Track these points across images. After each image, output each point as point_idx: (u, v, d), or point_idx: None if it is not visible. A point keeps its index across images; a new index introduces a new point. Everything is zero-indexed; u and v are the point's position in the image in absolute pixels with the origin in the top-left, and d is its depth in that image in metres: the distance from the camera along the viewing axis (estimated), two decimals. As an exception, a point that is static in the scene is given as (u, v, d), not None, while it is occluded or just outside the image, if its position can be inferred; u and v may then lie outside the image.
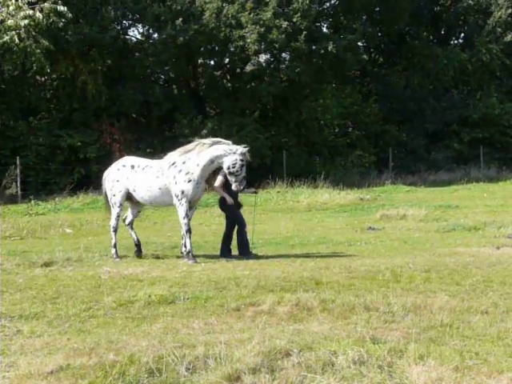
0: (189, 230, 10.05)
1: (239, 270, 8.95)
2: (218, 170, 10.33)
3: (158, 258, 10.57)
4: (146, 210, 18.25)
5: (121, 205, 10.57)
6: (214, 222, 16.29)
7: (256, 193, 11.89)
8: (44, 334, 5.75)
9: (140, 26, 27.59)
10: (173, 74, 28.54)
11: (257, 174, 22.89)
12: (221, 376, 4.62)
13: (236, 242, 10.67)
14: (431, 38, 33.98)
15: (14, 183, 21.56)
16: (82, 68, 24.22)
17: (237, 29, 24.94)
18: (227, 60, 27.77)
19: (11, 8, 20.05)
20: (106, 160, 24.36)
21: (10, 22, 19.93)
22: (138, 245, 10.65)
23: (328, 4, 29.61)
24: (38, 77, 24.79)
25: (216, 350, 4.97)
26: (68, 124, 24.56)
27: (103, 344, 5.35)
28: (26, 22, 20.04)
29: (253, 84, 27.56)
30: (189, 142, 26.43)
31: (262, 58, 27.62)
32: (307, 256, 10.45)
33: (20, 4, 20.24)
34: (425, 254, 10.46)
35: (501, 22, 31.04)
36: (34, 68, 22.02)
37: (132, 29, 28.46)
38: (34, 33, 20.86)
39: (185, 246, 10.12)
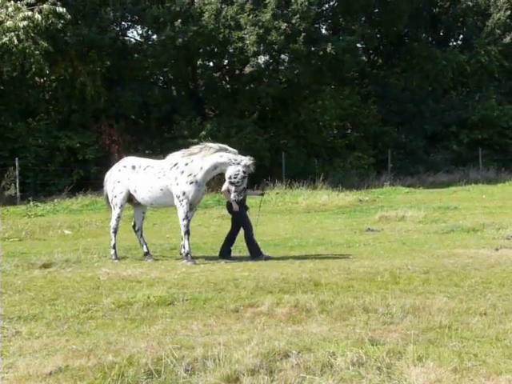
0: (187, 232, 10.05)
1: (238, 271, 8.96)
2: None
3: (156, 259, 10.56)
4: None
5: (122, 206, 10.55)
6: (212, 223, 16.29)
7: (262, 195, 11.90)
8: (43, 336, 5.75)
9: (139, 27, 27.59)
10: (172, 76, 28.55)
11: (256, 176, 22.87)
12: (220, 377, 4.62)
13: (246, 246, 10.63)
14: (430, 39, 34.00)
15: (13, 184, 21.54)
16: (81, 69, 24.21)
17: (236, 30, 24.96)
18: (226, 61, 27.78)
19: (10, 9, 20.09)
20: (105, 161, 24.39)
21: (9, 23, 19.96)
22: (146, 253, 10.59)
23: (327, 5, 29.63)
24: (36, 78, 24.77)
25: (215, 352, 4.97)
26: (67, 125, 24.55)
27: (102, 345, 5.35)
28: (25, 23, 20.07)
29: (252, 85, 27.57)
30: (188, 143, 26.48)
31: (261, 59, 27.63)
32: (306, 257, 10.45)
33: (19, 5, 20.28)
34: (423, 255, 10.47)
35: (500, 23, 31.05)
36: (33, 69, 22.00)
37: (131, 30, 28.52)
38: (32, 34, 20.85)
39: (184, 248, 10.12)
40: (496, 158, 30.92)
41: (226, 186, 10.41)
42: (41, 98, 25.42)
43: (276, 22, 24.52)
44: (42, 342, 5.55)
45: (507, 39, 31.02)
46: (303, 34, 24.96)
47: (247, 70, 27.62)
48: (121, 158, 25.33)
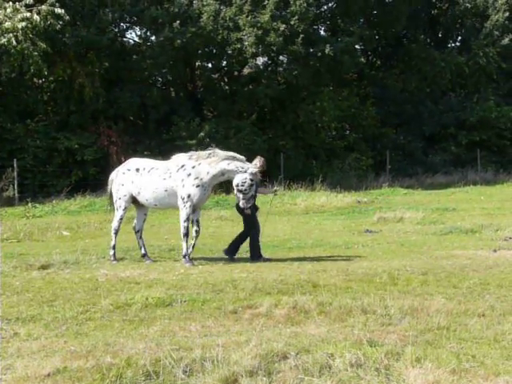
0: (187, 234, 10.05)
1: (236, 272, 8.96)
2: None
3: (155, 260, 10.55)
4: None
5: (125, 208, 10.55)
6: (211, 224, 16.28)
7: (275, 192, 11.83)
8: (41, 337, 5.74)
9: (137, 28, 27.61)
10: (170, 77, 28.56)
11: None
12: (218, 379, 4.62)
13: (248, 244, 10.62)
14: (428, 41, 34.06)
15: (12, 186, 21.53)
16: (80, 70, 24.20)
17: (234, 31, 24.97)
18: (225, 63, 27.80)
19: (8, 10, 20.08)
20: (104, 162, 24.47)
21: (8, 24, 19.94)
22: (144, 254, 10.57)
23: (325, 7, 29.69)
24: (35, 79, 24.77)
25: (213, 353, 4.97)
26: (65, 126, 24.55)
27: (100, 347, 5.35)
28: (24, 24, 20.06)
29: (250, 87, 27.59)
30: (186, 144, 26.50)
31: (260, 60, 27.65)
32: (304, 259, 10.46)
33: (17, 6, 20.27)
34: (422, 256, 10.48)
35: (498, 25, 31.11)
36: (32, 70, 21.99)
37: (129, 31, 28.53)
38: (31, 35, 20.84)
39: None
40: (494, 160, 30.98)
41: None
42: (39, 99, 25.41)
43: (274, 24, 24.54)
44: (41, 343, 5.55)
45: (505, 41, 31.08)
46: (302, 36, 24.98)
47: (246, 71, 27.64)
48: (119, 159, 25.55)
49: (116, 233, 10.58)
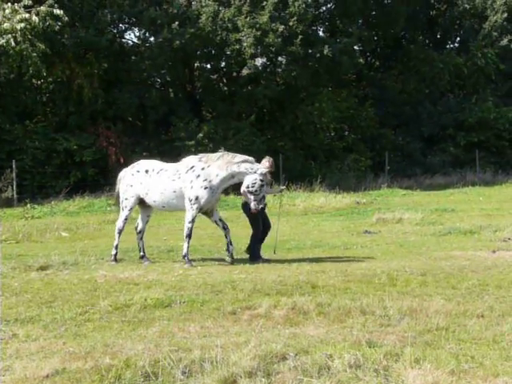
0: (190, 236, 10.02)
1: (235, 273, 8.95)
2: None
3: (154, 261, 10.54)
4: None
5: (131, 209, 10.53)
6: (210, 225, 16.25)
7: (282, 191, 11.80)
8: (40, 338, 5.74)
9: (136, 29, 27.59)
10: (169, 78, 28.56)
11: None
12: (217, 380, 4.62)
13: (249, 244, 10.63)
14: (427, 42, 34.09)
15: (10, 187, 21.51)
16: (78, 71, 24.20)
17: (233, 32, 24.97)
18: (223, 64, 27.79)
19: (7, 11, 20.06)
20: (102, 163, 24.48)
21: (6, 25, 19.92)
22: (142, 256, 10.55)
23: (324, 8, 29.69)
24: (34, 80, 24.76)
25: (212, 354, 4.97)
26: (64, 127, 24.54)
27: (99, 348, 5.35)
28: (22, 25, 20.03)
29: (249, 88, 27.59)
30: (185, 145, 26.40)
31: (259, 61, 27.65)
32: (303, 260, 10.45)
33: (16, 7, 20.24)
34: (421, 257, 10.48)
35: (496, 26, 31.15)
36: (30, 71, 21.99)
37: (128, 32, 28.51)
38: (30, 36, 20.82)
39: (184, 255, 10.01)
40: (493, 161, 30.99)
41: (244, 186, 10.36)
42: (38, 100, 25.40)
43: (273, 25, 24.54)
44: (39, 344, 5.54)
45: (504, 42, 31.13)
46: (300, 37, 24.99)
47: (244, 72, 27.64)
48: (118, 160, 25.51)
49: (120, 233, 10.56)
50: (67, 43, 23.56)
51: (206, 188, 9.88)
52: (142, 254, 10.55)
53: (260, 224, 10.59)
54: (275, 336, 5.65)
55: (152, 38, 26.55)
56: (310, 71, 26.36)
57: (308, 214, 19.05)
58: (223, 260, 10.42)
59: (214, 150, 22.43)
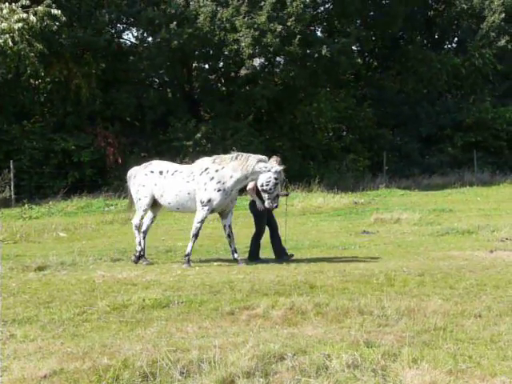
0: (196, 235, 10.00)
1: (233, 273, 8.95)
2: None
3: (152, 261, 10.53)
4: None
5: (146, 209, 10.46)
6: (208, 225, 16.24)
7: (287, 195, 11.85)
8: (37, 339, 5.73)
9: (134, 29, 27.58)
10: (167, 78, 28.54)
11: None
12: (215, 380, 4.62)
13: (272, 247, 10.62)
14: (425, 42, 34.13)
15: (8, 187, 21.48)
16: (76, 71, 24.18)
17: (231, 32, 24.97)
18: (221, 64, 27.79)
19: (5, 11, 20.04)
20: (100, 164, 24.46)
21: (4, 25, 19.90)
22: (140, 256, 10.50)
23: (322, 8, 29.69)
24: (31, 80, 24.72)
25: (210, 354, 4.97)
26: (62, 128, 24.52)
27: (97, 348, 5.34)
28: (20, 25, 20.01)
29: (247, 88, 27.59)
30: (183, 145, 26.34)
31: (257, 61, 27.65)
32: (301, 260, 10.46)
33: (14, 7, 20.22)
34: (419, 257, 10.49)
35: (494, 26, 31.17)
36: (28, 71, 21.96)
37: (126, 32, 28.49)
38: (27, 36, 20.81)
39: (187, 254, 9.97)
40: (491, 161, 31.02)
41: (251, 184, 10.32)
42: (36, 101, 25.37)
43: (271, 25, 24.54)
44: (37, 344, 5.54)
45: (502, 42, 31.15)
46: (298, 37, 24.99)
47: (243, 72, 27.64)
48: (116, 161, 25.43)
49: (138, 229, 10.50)
50: (65, 43, 23.54)
51: (219, 190, 9.86)
52: (141, 253, 10.52)
53: (264, 225, 10.57)
54: (273, 336, 5.65)
55: (150, 38, 26.55)
56: (308, 71, 26.36)
57: (306, 214, 19.05)
58: (221, 260, 10.42)
59: (212, 151, 22.46)
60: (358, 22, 29.96)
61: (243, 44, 24.73)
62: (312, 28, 28.55)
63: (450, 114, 31.24)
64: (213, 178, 9.90)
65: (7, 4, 20.30)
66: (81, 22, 24.54)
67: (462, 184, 27.19)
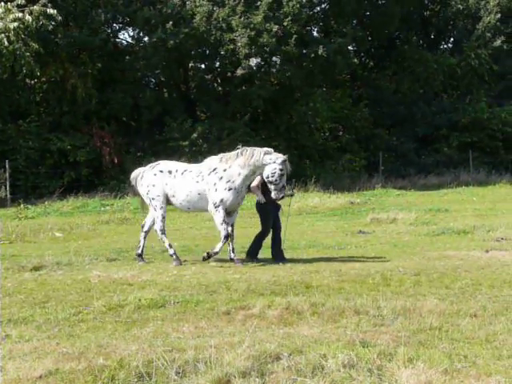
0: (227, 236, 9.82)
1: (230, 273, 8.95)
2: None
3: (148, 261, 10.52)
4: (137, 213, 18.21)
5: (162, 207, 10.27)
6: (204, 225, 16.26)
7: (292, 195, 11.84)
8: (33, 339, 5.72)
9: (130, 29, 27.55)
10: (163, 78, 28.52)
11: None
12: (211, 380, 4.62)
13: (271, 248, 10.57)
14: (421, 42, 34.19)
15: (3, 187, 21.43)
16: (72, 71, 24.13)
17: (227, 32, 24.97)
18: (218, 64, 27.79)
19: (0, 11, 19.99)
20: (96, 163, 24.42)
21: (-1, 24, 19.86)
22: (139, 254, 10.48)
23: (318, 8, 29.73)
24: (27, 80, 24.67)
25: (206, 354, 4.97)
26: (58, 127, 24.47)
27: (93, 348, 5.33)
28: (16, 24, 19.97)
29: (243, 88, 27.58)
30: (179, 145, 26.31)
31: (253, 61, 27.64)
32: (297, 260, 10.46)
33: (9, 7, 20.18)
34: (415, 257, 10.51)
35: (490, 26, 31.25)
36: (24, 71, 21.91)
37: (122, 32, 28.47)
38: (23, 36, 20.76)
39: (215, 253, 9.92)
40: (486, 161, 31.09)
41: (256, 181, 10.28)
42: (31, 100, 25.31)
43: (267, 25, 24.55)
44: (32, 345, 5.53)
45: (497, 42, 31.22)
46: (295, 37, 25.00)
47: (239, 72, 27.62)
48: (112, 160, 25.38)
49: (163, 233, 10.31)
50: (61, 43, 23.49)
51: (230, 189, 9.82)
52: (139, 252, 10.49)
53: (270, 225, 10.53)
54: (269, 336, 5.65)
55: (146, 38, 26.52)
56: (304, 71, 26.38)
57: (302, 214, 19.05)
58: (217, 260, 10.41)
59: (208, 151, 22.46)
60: (355, 22, 30.00)
61: (239, 44, 24.74)
62: (308, 28, 28.56)
63: (445, 114, 31.30)
64: (222, 177, 9.86)
65: (3, 3, 20.25)
66: (77, 21, 24.51)
67: (457, 184, 27.25)
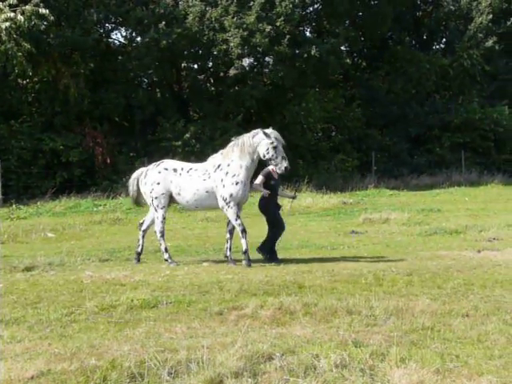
0: (244, 230, 9.83)
1: (222, 274, 8.95)
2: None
3: (141, 261, 10.50)
4: (129, 213, 18.18)
5: (164, 207, 10.20)
6: (197, 225, 16.26)
7: (294, 198, 11.88)
8: (25, 339, 5.70)
9: (123, 29, 27.48)
10: (156, 78, 28.48)
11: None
12: (203, 380, 4.62)
13: (266, 238, 10.56)
14: (413, 43, 34.32)
15: (-5, 187, 21.34)
16: (64, 71, 24.05)
17: (220, 32, 24.97)
18: (211, 64, 27.77)
19: (-8, 10, 19.91)
20: (89, 164, 24.34)
21: (-9, 24, 19.78)
22: (139, 253, 10.46)
23: (311, 8, 29.76)
24: (19, 80, 24.55)
25: (198, 355, 4.96)
26: (50, 127, 24.37)
27: (85, 349, 5.32)
28: (8, 24, 19.91)
29: (236, 88, 27.58)
30: (171, 145, 26.22)
31: (246, 61, 27.66)
32: (290, 260, 10.46)
33: (1, 6, 20.11)
34: (407, 257, 10.53)
35: (482, 27, 31.40)
36: (16, 71, 21.82)
37: (115, 32, 28.38)
38: (15, 35, 20.67)
39: (245, 251, 9.87)
40: (478, 161, 31.23)
41: (258, 180, 10.31)
42: (23, 100, 25.19)
43: (260, 25, 24.56)
44: (24, 345, 5.50)
45: (489, 43, 31.38)
46: (287, 37, 25.04)
47: (232, 72, 27.63)
48: (104, 161, 25.27)
49: (162, 235, 10.21)
50: (53, 43, 23.39)
51: (237, 183, 9.82)
52: (139, 251, 10.45)
53: (280, 219, 10.58)
54: (262, 336, 5.65)
55: (139, 38, 26.46)
56: (297, 71, 26.41)
57: (295, 214, 19.05)
58: (210, 260, 10.40)
59: (201, 151, 22.45)
60: (347, 22, 30.06)
61: (232, 44, 24.74)
62: (301, 28, 28.61)
63: (438, 115, 31.42)
64: (227, 172, 9.86)
65: (-5, 3, 20.18)
66: (69, 21, 24.40)
67: (450, 184, 27.36)
